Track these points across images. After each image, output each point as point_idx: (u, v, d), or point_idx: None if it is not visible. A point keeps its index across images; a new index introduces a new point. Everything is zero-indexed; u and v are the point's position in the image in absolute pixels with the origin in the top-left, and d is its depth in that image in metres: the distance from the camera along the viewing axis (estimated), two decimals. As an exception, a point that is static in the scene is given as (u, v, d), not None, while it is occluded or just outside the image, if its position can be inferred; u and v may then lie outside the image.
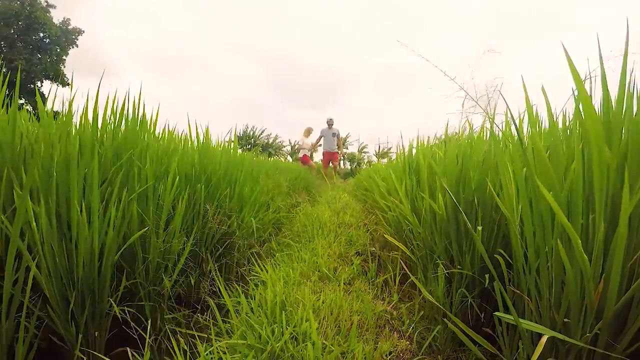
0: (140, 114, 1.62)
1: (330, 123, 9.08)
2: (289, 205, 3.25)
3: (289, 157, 36.94)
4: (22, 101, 26.76)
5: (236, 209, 2.06)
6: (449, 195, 1.46)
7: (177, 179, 1.70)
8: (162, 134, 1.96)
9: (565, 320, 0.82)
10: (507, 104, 0.99)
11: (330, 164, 9.21)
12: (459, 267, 1.43)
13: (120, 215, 1.28)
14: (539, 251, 0.89)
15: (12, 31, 23.19)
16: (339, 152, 9.13)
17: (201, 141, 2.19)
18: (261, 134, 35.88)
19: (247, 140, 35.68)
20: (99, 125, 1.49)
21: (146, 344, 1.02)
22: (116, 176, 1.39)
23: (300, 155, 9.23)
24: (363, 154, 22.07)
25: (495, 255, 1.16)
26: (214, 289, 1.70)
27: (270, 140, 35.91)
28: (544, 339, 0.69)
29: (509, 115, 1.03)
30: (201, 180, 1.91)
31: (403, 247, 1.66)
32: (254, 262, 1.79)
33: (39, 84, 24.68)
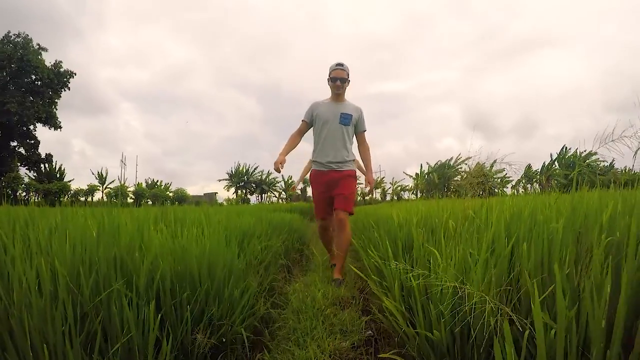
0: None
1: (336, 78, 2.80)
2: (282, 278, 3.12)
3: (282, 193, 36.73)
4: (15, 143, 25.65)
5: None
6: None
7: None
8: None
9: None
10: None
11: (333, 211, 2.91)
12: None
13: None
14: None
15: (5, 74, 22.89)
16: (368, 172, 3.14)
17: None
18: (254, 170, 35.77)
19: (240, 177, 35.51)
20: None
21: None
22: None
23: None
24: (359, 186, 22.08)
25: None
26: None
27: (264, 177, 35.74)
28: None
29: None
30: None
31: None
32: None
33: (31, 127, 23.83)
